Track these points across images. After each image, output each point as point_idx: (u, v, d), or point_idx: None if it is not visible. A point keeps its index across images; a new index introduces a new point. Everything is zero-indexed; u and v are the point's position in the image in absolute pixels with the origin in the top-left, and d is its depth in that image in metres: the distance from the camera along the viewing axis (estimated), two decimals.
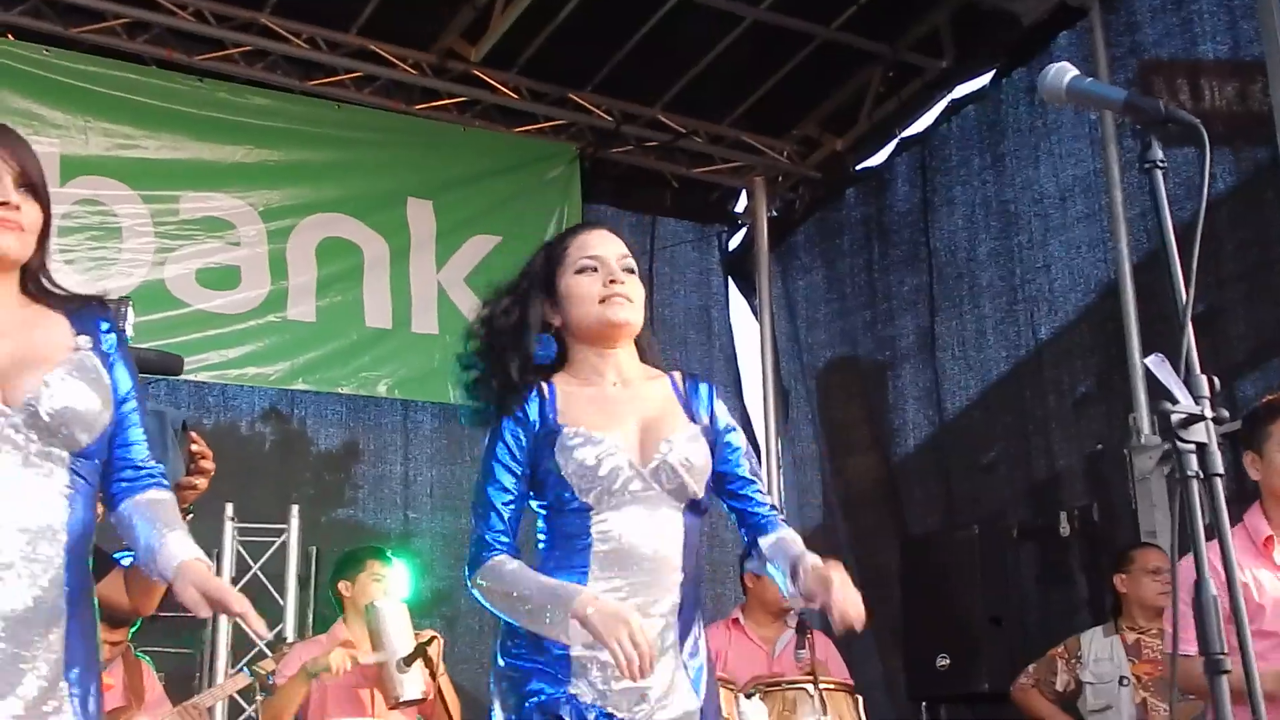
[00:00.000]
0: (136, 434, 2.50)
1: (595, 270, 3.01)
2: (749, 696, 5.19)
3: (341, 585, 5.60)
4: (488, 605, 2.89)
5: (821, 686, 5.22)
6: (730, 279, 8.91)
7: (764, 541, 3.05)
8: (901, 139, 8.23)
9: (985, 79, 7.70)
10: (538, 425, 2.94)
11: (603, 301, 2.99)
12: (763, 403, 8.39)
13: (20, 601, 2.27)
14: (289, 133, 7.39)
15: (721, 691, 4.78)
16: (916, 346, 8.03)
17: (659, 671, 2.87)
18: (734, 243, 9.00)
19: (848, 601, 2.84)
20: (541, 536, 2.98)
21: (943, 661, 6.41)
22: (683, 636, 2.98)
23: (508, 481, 2.93)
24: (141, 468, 2.49)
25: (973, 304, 7.69)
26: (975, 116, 7.77)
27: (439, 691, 5.04)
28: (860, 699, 5.41)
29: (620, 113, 8.06)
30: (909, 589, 7.07)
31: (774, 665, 5.77)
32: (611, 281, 2.99)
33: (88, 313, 2.51)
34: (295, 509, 6.83)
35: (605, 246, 3.05)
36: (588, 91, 7.93)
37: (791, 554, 2.95)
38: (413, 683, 4.93)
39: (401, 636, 4.99)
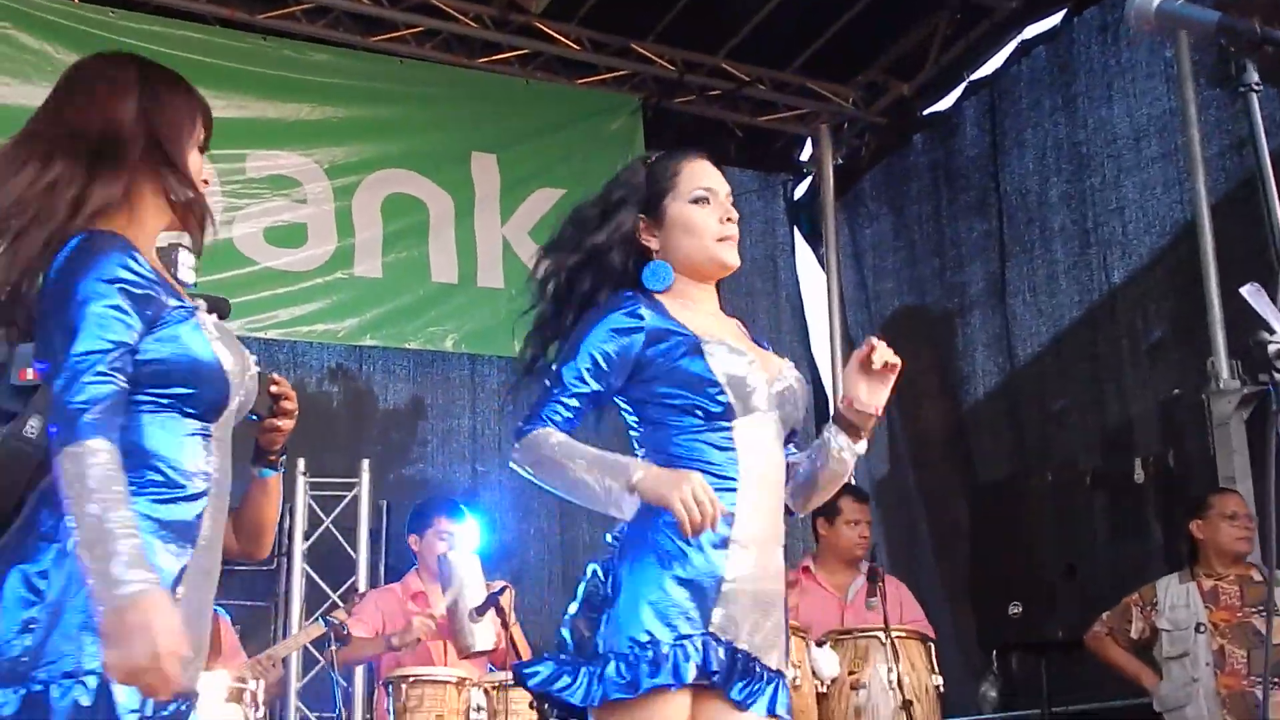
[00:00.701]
0: None
1: (708, 203, 2.93)
2: (820, 645, 5.18)
3: (411, 539, 5.67)
4: (533, 476, 2.80)
5: (894, 634, 5.19)
6: (796, 228, 8.84)
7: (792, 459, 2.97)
8: (970, 82, 8.10)
9: (1056, 18, 7.56)
10: (660, 331, 2.83)
11: (720, 240, 2.92)
12: (830, 353, 8.32)
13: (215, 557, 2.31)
14: (352, 89, 7.39)
15: (793, 640, 4.80)
16: (986, 293, 7.93)
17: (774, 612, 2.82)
18: (799, 191, 8.93)
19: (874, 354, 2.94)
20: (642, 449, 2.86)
21: (1015, 610, 6.34)
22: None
23: (593, 375, 2.82)
24: None
25: (1044, 248, 7.57)
26: (1046, 57, 7.63)
27: (510, 641, 5.07)
28: (932, 646, 5.39)
29: (683, 62, 7.99)
30: (980, 538, 7.02)
31: (846, 612, 5.75)
32: (727, 220, 2.93)
33: None
34: (366, 463, 6.87)
35: (716, 180, 2.98)
36: (649, 41, 7.87)
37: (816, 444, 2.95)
38: (484, 633, 4.96)
39: (473, 588, 5.02)
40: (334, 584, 6.65)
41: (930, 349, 8.24)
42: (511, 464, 2.84)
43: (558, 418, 2.80)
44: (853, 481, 7.60)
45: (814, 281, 8.69)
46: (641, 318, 2.83)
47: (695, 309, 2.93)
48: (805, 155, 8.86)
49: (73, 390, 2.08)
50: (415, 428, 7.65)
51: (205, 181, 2.46)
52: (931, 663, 5.34)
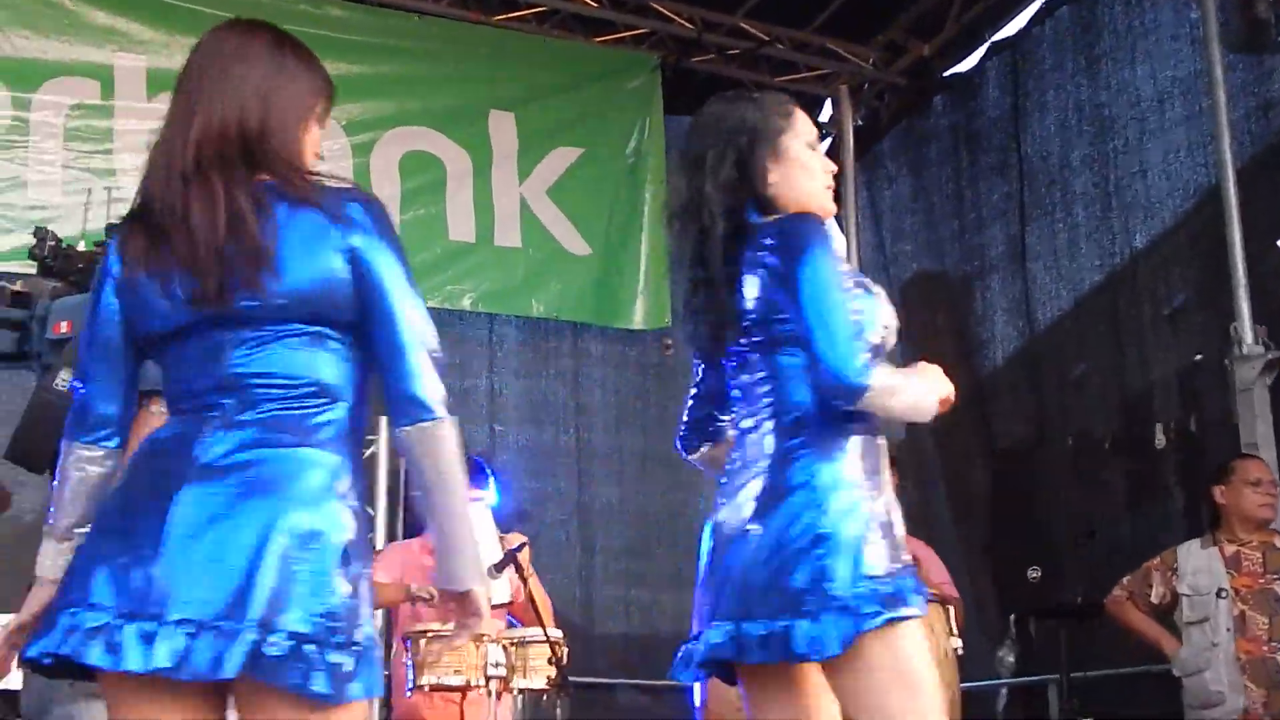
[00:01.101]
0: None
1: (816, 149, 2.93)
2: None
3: None
4: (883, 404, 2.71)
5: None
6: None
7: None
8: (992, 43, 8.03)
9: None
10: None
11: (827, 188, 2.93)
12: None
13: None
14: (369, 45, 7.35)
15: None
16: (1006, 256, 7.89)
17: None
18: None
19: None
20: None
21: (1034, 573, 6.32)
22: None
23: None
24: None
25: (1065, 212, 7.52)
26: (1069, 18, 7.56)
27: (530, 597, 5.06)
28: (952, 610, 5.37)
29: (701, 20, 7.94)
30: (999, 504, 7.01)
31: None
32: (831, 172, 2.95)
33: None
34: (383, 421, 6.83)
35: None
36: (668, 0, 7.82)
37: None
38: (500, 587, 4.95)
39: (487, 544, 5.01)
40: None
41: (949, 313, 8.20)
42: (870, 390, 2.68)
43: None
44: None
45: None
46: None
47: None
48: (825, 116, 8.79)
49: None
50: None
51: (317, 155, 2.40)
52: (951, 626, 5.32)
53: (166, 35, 6.84)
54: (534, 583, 5.28)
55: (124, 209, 7.23)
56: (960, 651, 5.37)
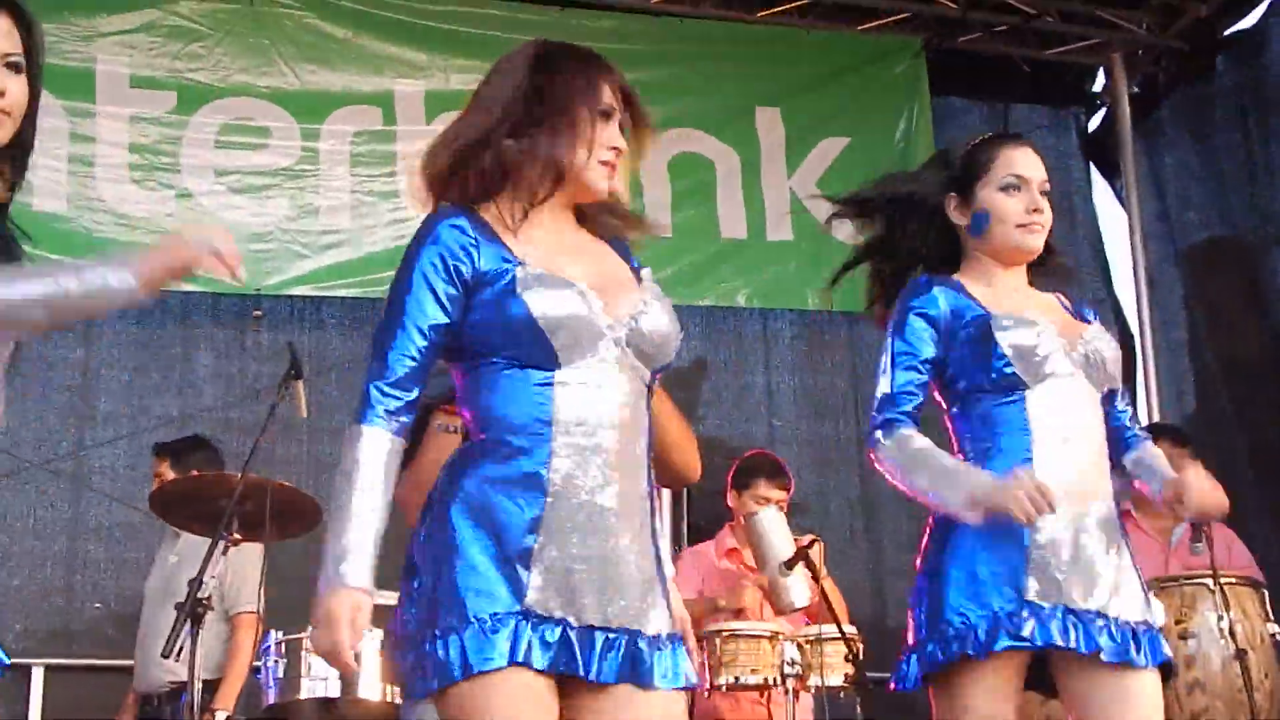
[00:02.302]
0: None
1: (1019, 190, 3.12)
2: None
3: (731, 494, 5.70)
4: (889, 473, 3.07)
5: (1223, 580, 5.00)
6: (1091, 163, 8.53)
7: (1129, 460, 3.22)
8: None
9: None
10: (955, 311, 3.11)
11: (1020, 226, 3.12)
12: (1134, 289, 8.02)
13: (617, 498, 2.45)
14: (636, 53, 7.46)
15: None
16: None
17: (1107, 567, 2.99)
18: (1093, 124, 8.62)
19: (1203, 499, 3.03)
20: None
21: None
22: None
23: (917, 367, 3.18)
24: None
25: None
26: None
27: (823, 594, 5.06)
28: (1266, 593, 5.17)
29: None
30: None
31: (1170, 558, 5.56)
32: (1035, 210, 3.12)
33: (622, 246, 2.70)
34: None
35: (1031, 168, 3.15)
36: None
37: (1156, 469, 3.16)
38: (799, 590, 4.94)
39: (784, 544, 5.02)
40: None
41: (1241, 278, 7.87)
42: (875, 455, 3.11)
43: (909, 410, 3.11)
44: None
45: (1112, 217, 8.39)
46: (936, 302, 3.11)
47: (998, 286, 3.15)
48: (1098, 86, 8.55)
49: None
50: (711, 383, 7.68)
51: (616, 149, 2.57)
52: (1266, 610, 5.12)
53: (443, 59, 7.11)
54: (829, 584, 5.30)
55: (408, 229, 7.56)
56: (1278, 637, 5.17)
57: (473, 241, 2.46)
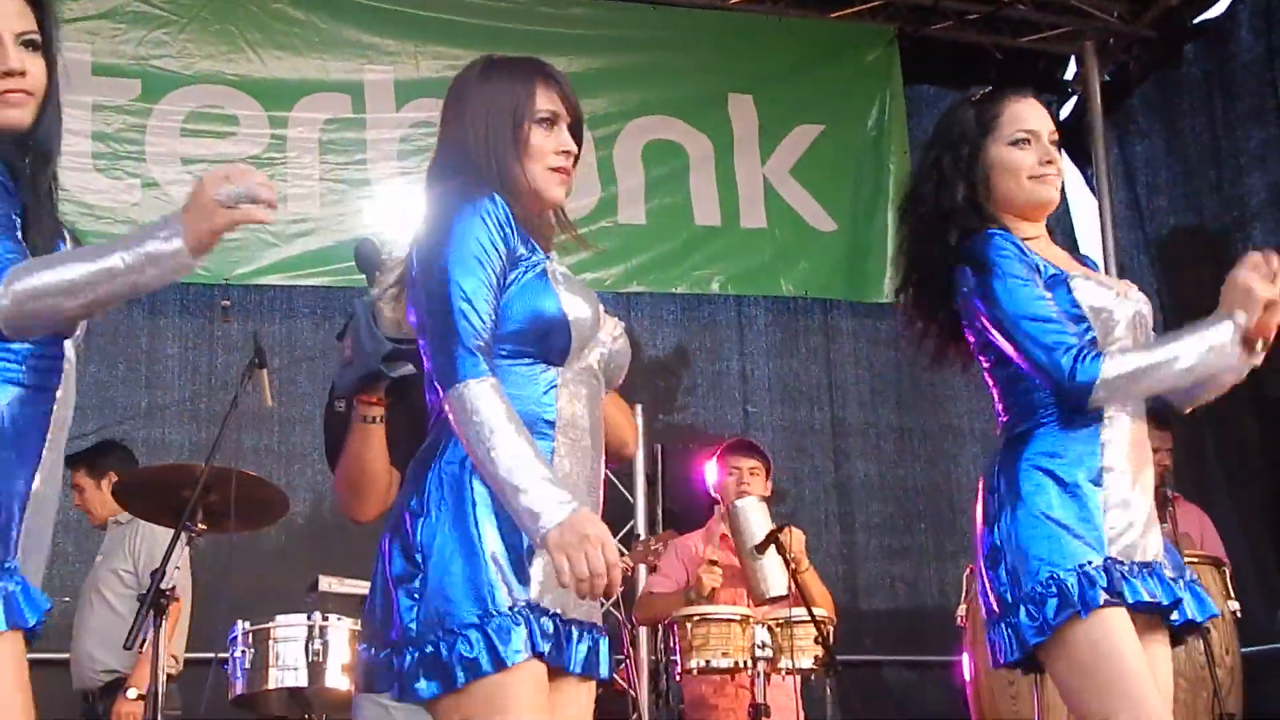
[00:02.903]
0: None
1: (1029, 144, 3.05)
2: None
3: (717, 484, 5.66)
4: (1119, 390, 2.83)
5: (1186, 560, 5.01)
6: (1063, 150, 8.52)
7: None
8: None
9: None
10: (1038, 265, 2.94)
11: (1033, 179, 3.04)
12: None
13: (591, 495, 2.51)
14: (608, 39, 7.47)
15: None
16: (1269, 204, 7.55)
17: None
18: (1065, 112, 8.62)
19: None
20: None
21: None
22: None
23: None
24: None
25: None
26: None
27: (798, 585, 5.03)
28: (1227, 571, 5.20)
29: None
30: (1274, 456, 6.73)
31: None
32: (1047, 162, 3.04)
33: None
34: (639, 408, 6.94)
35: (1038, 120, 3.08)
36: None
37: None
38: (775, 580, 4.93)
39: (761, 533, 5.00)
40: (613, 530, 6.74)
41: (1210, 265, 7.88)
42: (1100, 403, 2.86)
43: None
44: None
45: (1083, 204, 8.40)
46: (1023, 251, 2.95)
47: (1036, 244, 3.03)
48: (1070, 74, 8.55)
49: None
50: (686, 371, 7.69)
51: (566, 153, 2.58)
52: (1227, 588, 5.16)
53: (412, 46, 7.08)
54: (812, 575, 5.29)
55: (379, 217, 7.45)
56: (1239, 615, 5.20)
57: (509, 221, 2.46)
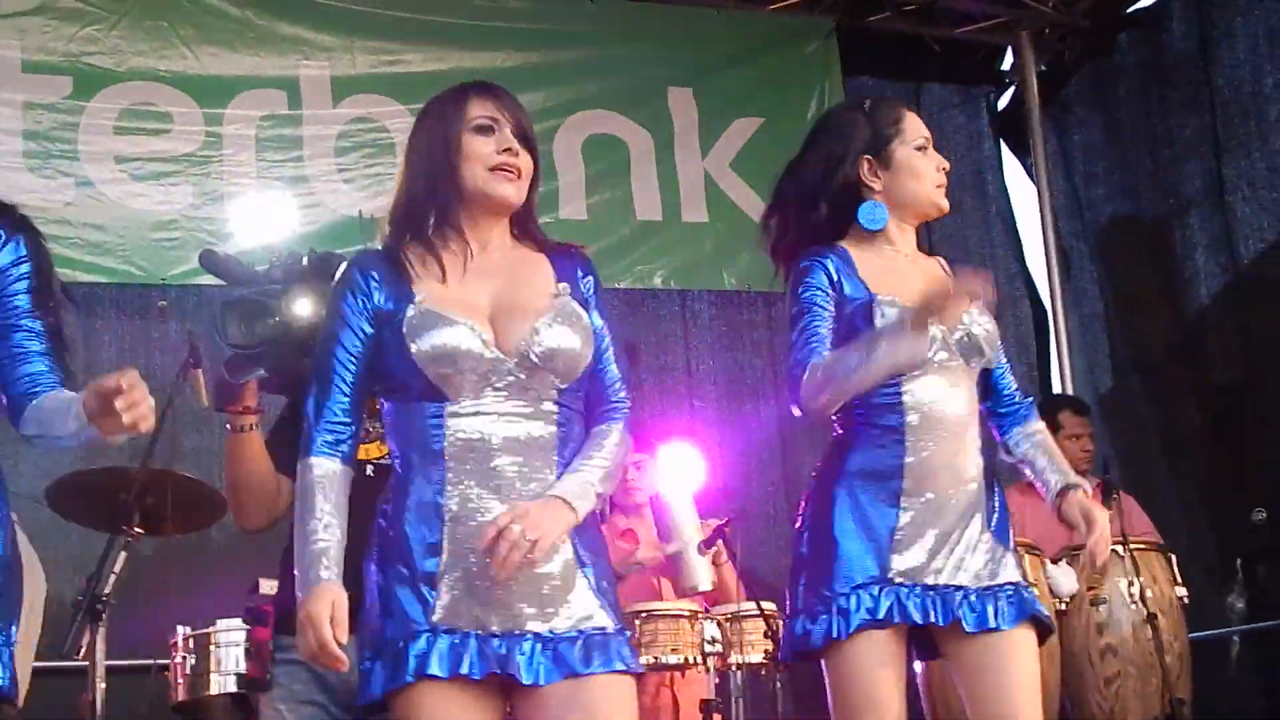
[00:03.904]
0: (609, 368, 2.76)
1: (926, 151, 3.20)
2: (1056, 562, 5.07)
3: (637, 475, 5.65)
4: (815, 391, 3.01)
5: (1133, 547, 5.06)
6: (1002, 140, 8.58)
7: (1021, 433, 3.28)
8: None
9: None
10: (842, 290, 3.12)
11: (939, 186, 3.20)
12: (1045, 265, 8.08)
13: None
14: (545, 33, 7.41)
15: (1027, 559, 4.73)
16: (1204, 192, 7.63)
17: (969, 540, 3.09)
18: (1003, 102, 8.67)
19: (1100, 547, 3.07)
20: None
21: (1259, 515, 6.13)
22: (989, 508, 3.12)
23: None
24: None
25: (1261, 141, 7.27)
26: None
27: (723, 580, 5.06)
28: (1174, 558, 5.23)
29: None
30: (1214, 444, 6.79)
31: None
32: (944, 170, 3.20)
33: (567, 256, 2.77)
34: None
35: (927, 131, 3.24)
36: None
37: (1056, 467, 3.21)
38: (703, 572, 4.95)
39: (690, 524, 5.01)
40: None
41: (1149, 253, 7.97)
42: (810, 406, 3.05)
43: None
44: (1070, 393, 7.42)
45: (1024, 194, 8.45)
46: (830, 273, 3.13)
47: (887, 257, 3.18)
48: (1007, 64, 8.60)
49: None
50: (631, 366, 7.64)
51: (508, 150, 2.67)
52: (1174, 574, 5.20)
53: (348, 41, 6.99)
54: (725, 570, 5.30)
55: (316, 215, 7.35)
56: (1186, 601, 5.23)
57: (377, 283, 2.64)
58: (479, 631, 2.52)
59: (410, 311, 2.59)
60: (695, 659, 5.01)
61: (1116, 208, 8.20)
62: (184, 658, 4.68)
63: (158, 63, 6.64)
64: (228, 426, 3.18)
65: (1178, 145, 7.76)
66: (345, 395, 2.62)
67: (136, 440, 5.90)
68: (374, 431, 3.22)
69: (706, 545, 4.96)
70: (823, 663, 3.06)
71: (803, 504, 3.17)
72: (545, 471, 2.59)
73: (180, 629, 4.75)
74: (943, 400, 3.05)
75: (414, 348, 2.57)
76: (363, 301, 2.64)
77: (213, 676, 4.63)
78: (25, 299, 2.71)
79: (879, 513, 3.01)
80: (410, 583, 2.55)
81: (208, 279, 6.57)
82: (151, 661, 4.91)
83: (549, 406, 2.61)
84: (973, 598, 3.01)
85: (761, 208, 7.74)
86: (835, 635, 2.96)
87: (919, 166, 3.16)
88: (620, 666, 2.56)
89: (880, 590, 2.97)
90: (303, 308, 3.06)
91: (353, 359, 2.63)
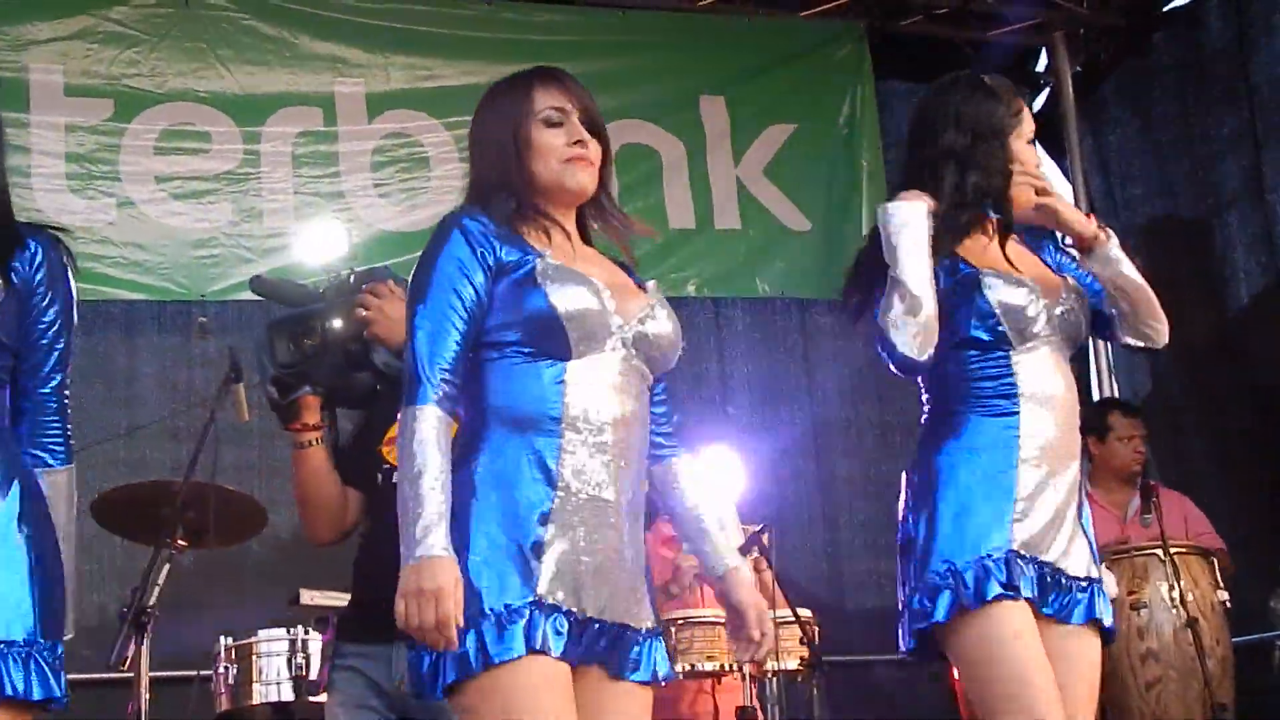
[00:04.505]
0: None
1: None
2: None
3: None
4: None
5: (1173, 551, 5.04)
6: (1037, 142, 8.53)
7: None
8: None
9: None
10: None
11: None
12: None
13: (619, 494, 2.52)
14: (576, 45, 7.46)
15: None
16: (1243, 190, 7.58)
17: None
18: (1037, 104, 8.64)
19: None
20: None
21: None
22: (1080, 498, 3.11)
23: None
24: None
25: None
26: None
27: (775, 581, 5.05)
28: (1215, 561, 5.20)
29: None
30: (1261, 445, 6.73)
31: (1126, 530, 5.59)
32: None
33: (630, 272, 2.77)
34: None
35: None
36: None
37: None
38: None
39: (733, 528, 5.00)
40: None
41: (1188, 253, 7.91)
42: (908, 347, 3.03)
43: None
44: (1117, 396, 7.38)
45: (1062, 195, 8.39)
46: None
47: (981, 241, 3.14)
48: (1041, 66, 8.57)
49: None
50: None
51: (579, 142, 2.64)
52: (1216, 578, 5.17)
53: (382, 57, 7.07)
54: (767, 576, 5.30)
55: (353, 230, 7.41)
56: (1228, 604, 5.20)
57: (495, 237, 2.55)
58: (577, 612, 2.43)
59: (540, 264, 2.52)
60: (731, 666, 5.02)
61: (1154, 207, 8.15)
62: (226, 668, 4.74)
63: (196, 83, 6.74)
64: (294, 444, 3.21)
65: (1215, 143, 7.72)
66: (458, 345, 2.48)
67: (179, 454, 6.03)
68: None
69: (742, 552, 4.95)
70: (950, 645, 2.94)
71: (907, 487, 3.08)
72: (640, 454, 2.57)
73: (222, 639, 4.81)
74: (1049, 375, 3.01)
75: (552, 295, 2.49)
76: (482, 253, 2.52)
77: (255, 686, 4.70)
78: (56, 321, 2.71)
79: (998, 484, 2.92)
80: (515, 553, 2.42)
81: (247, 295, 6.68)
82: (195, 672, 4.97)
83: (645, 391, 2.60)
84: (1081, 585, 2.97)
85: (795, 213, 7.72)
86: (966, 606, 2.85)
87: (1030, 160, 3.16)
88: (659, 677, 2.59)
89: (1008, 560, 2.87)
90: (341, 322, 3.11)
91: (467, 309, 2.49)
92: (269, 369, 3.11)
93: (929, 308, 2.96)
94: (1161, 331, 3.20)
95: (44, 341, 2.68)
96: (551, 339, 2.49)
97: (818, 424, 7.64)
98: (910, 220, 2.99)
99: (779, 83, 7.79)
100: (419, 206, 6.86)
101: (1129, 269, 3.15)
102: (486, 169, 2.68)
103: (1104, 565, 4.98)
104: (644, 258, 7.29)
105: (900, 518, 3.07)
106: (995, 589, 2.83)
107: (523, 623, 2.36)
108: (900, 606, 3.03)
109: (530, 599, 2.38)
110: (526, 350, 2.50)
